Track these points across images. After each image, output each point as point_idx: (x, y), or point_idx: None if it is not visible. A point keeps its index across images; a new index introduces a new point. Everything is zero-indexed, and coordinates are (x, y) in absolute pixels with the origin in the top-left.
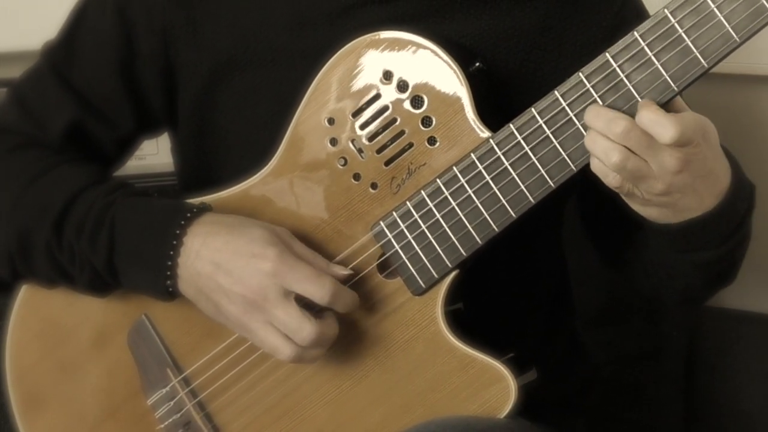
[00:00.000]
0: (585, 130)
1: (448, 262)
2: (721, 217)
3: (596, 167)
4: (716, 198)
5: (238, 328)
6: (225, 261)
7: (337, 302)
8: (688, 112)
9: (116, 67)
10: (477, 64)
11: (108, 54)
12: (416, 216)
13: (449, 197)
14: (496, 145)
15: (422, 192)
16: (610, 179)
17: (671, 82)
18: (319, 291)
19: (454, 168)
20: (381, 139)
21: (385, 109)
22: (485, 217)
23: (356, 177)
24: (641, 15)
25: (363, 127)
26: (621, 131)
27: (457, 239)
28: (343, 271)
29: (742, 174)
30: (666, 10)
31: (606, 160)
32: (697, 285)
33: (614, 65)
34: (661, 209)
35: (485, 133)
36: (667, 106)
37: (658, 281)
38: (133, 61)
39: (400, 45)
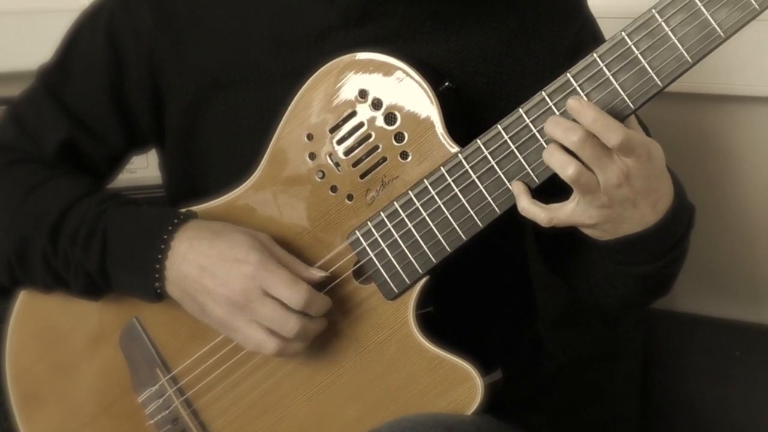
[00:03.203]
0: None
1: (419, 269)
2: (658, 235)
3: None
4: (658, 216)
5: (221, 328)
6: (210, 264)
7: (310, 307)
8: (637, 132)
9: (106, 89)
10: (446, 83)
11: (99, 76)
12: (389, 225)
13: (420, 208)
14: (464, 159)
15: (395, 203)
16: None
17: (628, 101)
18: (294, 296)
19: (425, 180)
20: (357, 153)
21: (360, 125)
22: (454, 227)
23: (333, 189)
24: (597, 37)
25: (340, 142)
26: (577, 139)
27: (427, 247)
28: (320, 274)
29: (684, 196)
30: (623, 33)
31: (562, 172)
32: (634, 294)
33: (575, 84)
34: (602, 223)
35: (454, 148)
36: (623, 123)
37: (599, 289)
38: (122, 82)
39: (375, 66)
